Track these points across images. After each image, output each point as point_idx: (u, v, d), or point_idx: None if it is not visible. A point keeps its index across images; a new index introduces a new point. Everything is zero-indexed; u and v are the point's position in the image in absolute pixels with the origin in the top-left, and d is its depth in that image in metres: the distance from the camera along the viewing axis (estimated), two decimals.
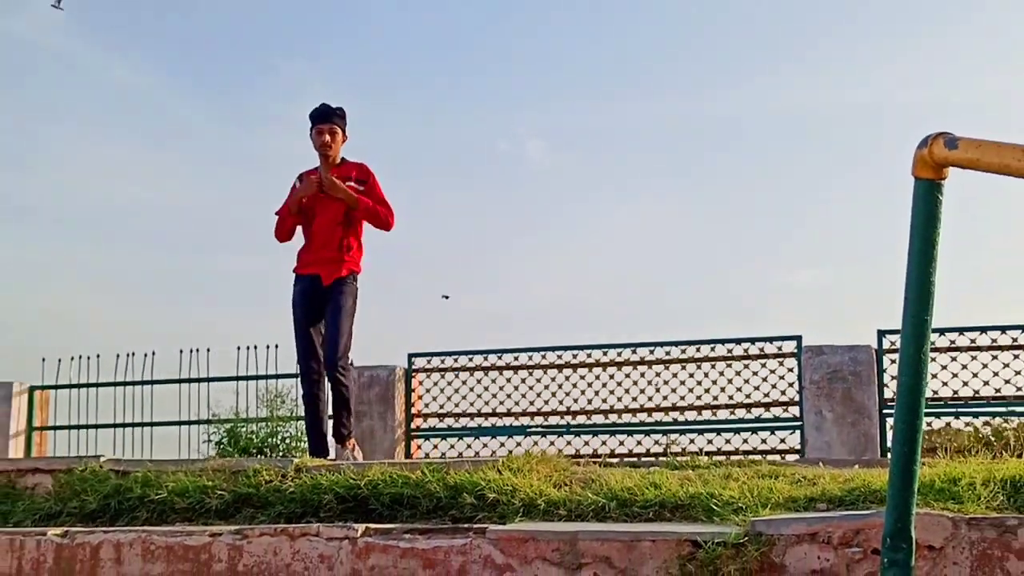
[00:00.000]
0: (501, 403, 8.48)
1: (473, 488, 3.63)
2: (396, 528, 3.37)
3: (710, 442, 7.95)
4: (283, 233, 5.31)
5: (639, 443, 8.19)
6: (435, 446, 8.57)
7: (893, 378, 7.66)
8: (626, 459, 8.02)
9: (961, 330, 7.52)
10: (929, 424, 7.88)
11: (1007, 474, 3.43)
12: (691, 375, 8.11)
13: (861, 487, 3.53)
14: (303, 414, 5.51)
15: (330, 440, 5.38)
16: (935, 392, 7.56)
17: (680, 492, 3.60)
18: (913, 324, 2.99)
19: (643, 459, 7.96)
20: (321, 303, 5.11)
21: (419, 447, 8.56)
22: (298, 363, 5.31)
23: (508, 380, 8.50)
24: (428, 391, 8.66)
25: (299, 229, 5.33)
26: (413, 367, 8.62)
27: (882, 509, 3.18)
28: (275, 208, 5.38)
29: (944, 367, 7.53)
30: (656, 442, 8.20)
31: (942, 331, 7.63)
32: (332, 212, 5.07)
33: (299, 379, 5.35)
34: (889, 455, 7.43)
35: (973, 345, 7.50)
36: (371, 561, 3.28)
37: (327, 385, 5.29)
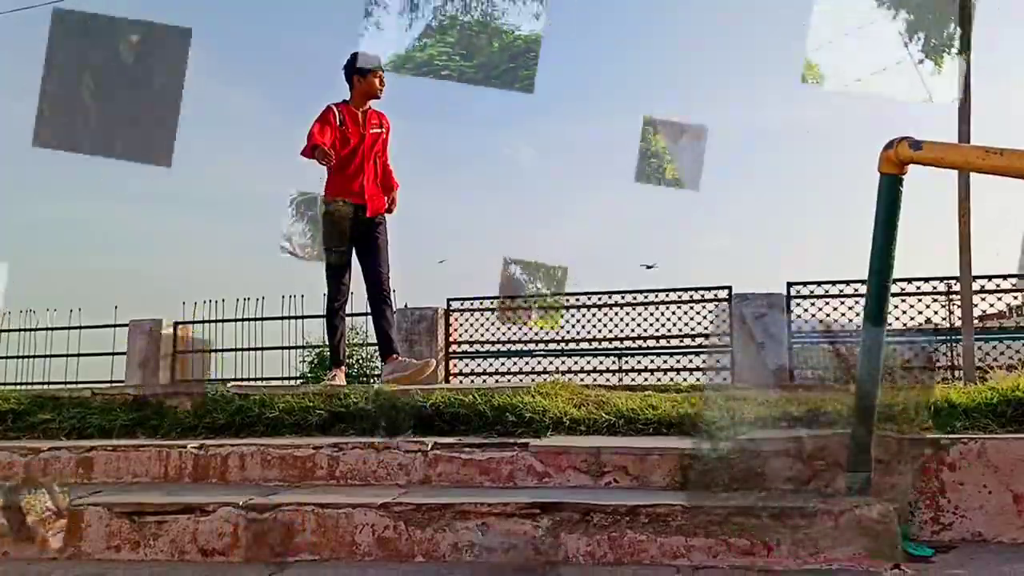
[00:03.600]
0: (513, 334, 8.08)
1: (514, 409, 3.24)
2: (457, 443, 2.98)
3: (665, 361, 7.60)
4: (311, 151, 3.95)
5: (614, 362, 7.83)
6: (466, 364, 8.21)
7: (798, 316, 7.30)
8: (604, 375, 7.69)
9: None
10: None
11: (929, 400, 3.05)
12: (651, 313, 7.73)
13: (813, 408, 3.15)
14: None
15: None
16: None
17: (672, 412, 3.22)
18: (877, 287, 2.57)
19: (615, 375, 7.64)
20: (357, 229, 4.19)
21: (455, 364, 8.20)
22: (334, 276, 4.15)
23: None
24: (461, 324, 8.26)
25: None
26: (450, 308, 8.23)
27: (838, 430, 2.81)
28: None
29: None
30: (624, 362, 7.84)
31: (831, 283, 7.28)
32: (372, 154, 4.21)
33: (333, 291, 4.17)
34: (800, 378, 6.81)
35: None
36: (439, 469, 2.91)
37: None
